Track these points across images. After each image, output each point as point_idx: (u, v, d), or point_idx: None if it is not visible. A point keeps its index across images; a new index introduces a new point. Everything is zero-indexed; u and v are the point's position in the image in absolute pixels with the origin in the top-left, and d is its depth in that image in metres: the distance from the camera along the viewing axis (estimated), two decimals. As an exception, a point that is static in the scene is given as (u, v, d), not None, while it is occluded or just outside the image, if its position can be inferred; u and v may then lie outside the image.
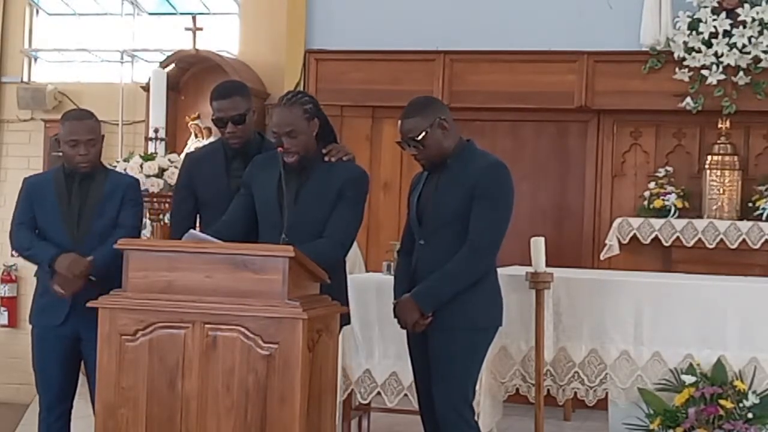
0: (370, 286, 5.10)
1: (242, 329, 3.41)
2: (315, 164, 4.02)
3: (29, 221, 4.42)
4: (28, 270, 8.78)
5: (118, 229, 4.30)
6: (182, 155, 7.51)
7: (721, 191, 6.98)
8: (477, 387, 4.20)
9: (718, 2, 6.97)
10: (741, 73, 6.92)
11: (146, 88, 8.05)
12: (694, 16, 6.99)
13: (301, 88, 7.60)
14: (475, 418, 4.14)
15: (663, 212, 7.04)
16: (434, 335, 4.04)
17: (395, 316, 4.13)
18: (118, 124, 8.39)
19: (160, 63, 8.23)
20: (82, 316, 3.94)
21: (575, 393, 4.99)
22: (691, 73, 7.03)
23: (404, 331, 4.18)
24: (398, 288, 4.20)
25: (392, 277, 5.18)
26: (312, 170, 4.01)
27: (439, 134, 4.07)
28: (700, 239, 6.90)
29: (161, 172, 7.07)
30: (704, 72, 6.97)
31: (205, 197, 4.41)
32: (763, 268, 6.81)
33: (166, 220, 6.61)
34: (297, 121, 3.95)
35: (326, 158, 4.03)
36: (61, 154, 4.52)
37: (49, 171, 4.66)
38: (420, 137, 4.05)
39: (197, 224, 4.46)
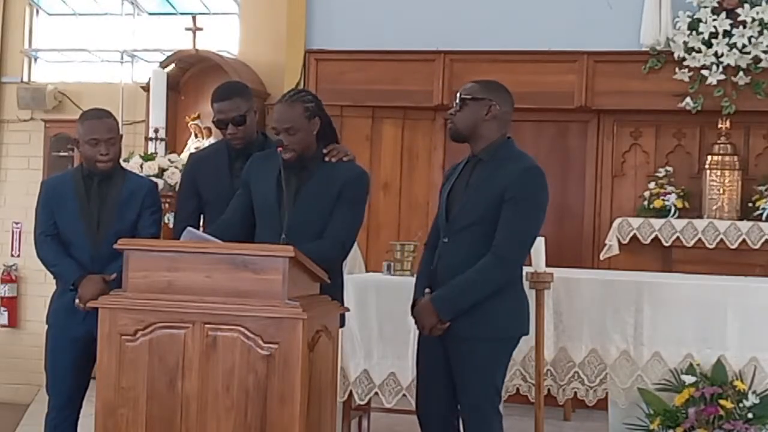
0: (369, 286, 5.09)
1: (242, 329, 3.41)
2: (315, 164, 4.00)
3: (52, 229, 4.39)
4: (28, 270, 8.81)
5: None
6: (182, 155, 7.52)
7: (721, 191, 6.98)
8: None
9: (718, 2, 6.97)
10: (741, 73, 6.93)
11: (146, 88, 8.05)
12: (694, 16, 6.99)
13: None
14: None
15: (663, 212, 7.04)
16: (455, 344, 3.95)
17: (413, 315, 4.07)
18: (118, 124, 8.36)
19: (160, 63, 8.23)
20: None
21: (575, 393, 4.99)
22: (691, 73, 7.03)
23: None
24: (419, 284, 4.11)
25: (392, 277, 5.20)
26: (312, 170, 3.99)
27: (481, 113, 4.00)
28: (700, 239, 6.90)
29: (161, 172, 7.08)
30: (704, 72, 6.97)
31: (208, 197, 4.42)
32: (763, 268, 6.81)
33: (167, 220, 6.61)
34: (296, 119, 3.94)
35: (327, 158, 4.02)
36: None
37: (66, 172, 4.63)
38: (466, 98, 4.01)
39: (201, 224, 4.46)
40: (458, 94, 4.06)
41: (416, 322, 4.03)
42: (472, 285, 3.87)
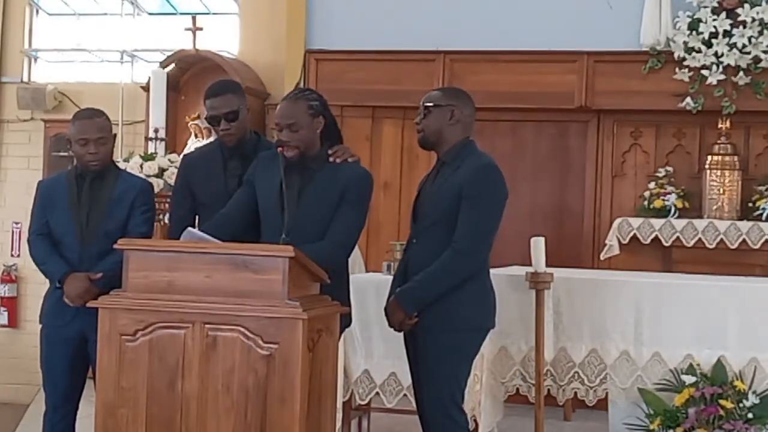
0: (370, 286, 5.08)
1: (242, 329, 3.41)
2: (319, 165, 4.00)
3: (44, 228, 4.41)
4: (28, 270, 8.80)
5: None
6: (182, 155, 7.51)
7: (721, 191, 6.98)
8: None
9: (718, 2, 6.97)
10: (741, 73, 6.92)
11: (146, 88, 8.05)
12: (694, 16, 6.99)
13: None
14: (470, 417, 4.12)
15: (663, 212, 7.04)
16: (419, 336, 4.06)
17: (385, 315, 4.14)
18: (118, 124, 8.37)
19: (160, 63, 8.23)
20: (89, 318, 3.94)
21: (575, 393, 4.98)
22: (691, 73, 7.03)
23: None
24: (392, 285, 4.21)
25: (392, 278, 5.19)
26: (316, 171, 3.98)
27: (445, 119, 4.11)
28: (700, 239, 6.90)
29: (161, 172, 7.08)
30: (704, 72, 6.97)
31: (202, 198, 4.41)
32: (763, 268, 6.81)
33: (167, 221, 6.61)
34: (300, 115, 3.95)
35: (331, 158, 4.02)
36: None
37: (61, 173, 4.64)
38: (429, 106, 4.12)
39: (196, 225, 4.46)
40: (421, 103, 4.17)
41: (387, 320, 4.12)
42: (433, 278, 3.98)
